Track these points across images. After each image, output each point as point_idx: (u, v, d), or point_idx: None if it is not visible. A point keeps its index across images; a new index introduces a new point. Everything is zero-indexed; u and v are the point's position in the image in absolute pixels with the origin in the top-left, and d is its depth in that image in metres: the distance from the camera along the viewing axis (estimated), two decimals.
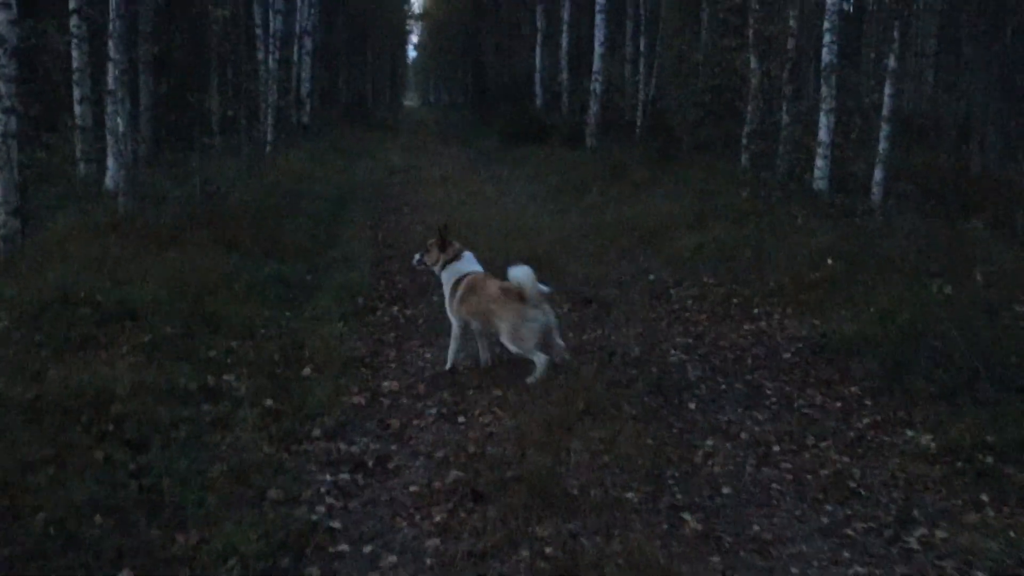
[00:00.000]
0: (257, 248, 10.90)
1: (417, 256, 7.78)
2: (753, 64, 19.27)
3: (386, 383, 7.11)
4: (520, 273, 6.78)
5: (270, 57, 23.18)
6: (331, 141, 27.13)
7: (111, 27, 12.45)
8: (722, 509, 5.04)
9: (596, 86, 24.97)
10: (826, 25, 15.51)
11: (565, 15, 28.35)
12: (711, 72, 22.89)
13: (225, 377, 6.60)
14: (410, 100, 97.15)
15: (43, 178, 16.66)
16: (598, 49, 24.98)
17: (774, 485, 5.36)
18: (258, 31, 25.34)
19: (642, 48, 25.73)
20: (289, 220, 13.16)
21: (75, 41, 15.88)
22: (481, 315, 7.10)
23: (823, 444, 6.00)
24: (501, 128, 30.11)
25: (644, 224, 13.65)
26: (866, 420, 6.39)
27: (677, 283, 10.72)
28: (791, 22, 18.40)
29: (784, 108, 17.98)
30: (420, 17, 69.23)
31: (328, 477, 5.30)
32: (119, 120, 12.36)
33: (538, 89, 32.36)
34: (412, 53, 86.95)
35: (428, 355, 7.86)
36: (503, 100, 38.15)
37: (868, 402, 6.76)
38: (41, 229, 11.32)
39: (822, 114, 15.05)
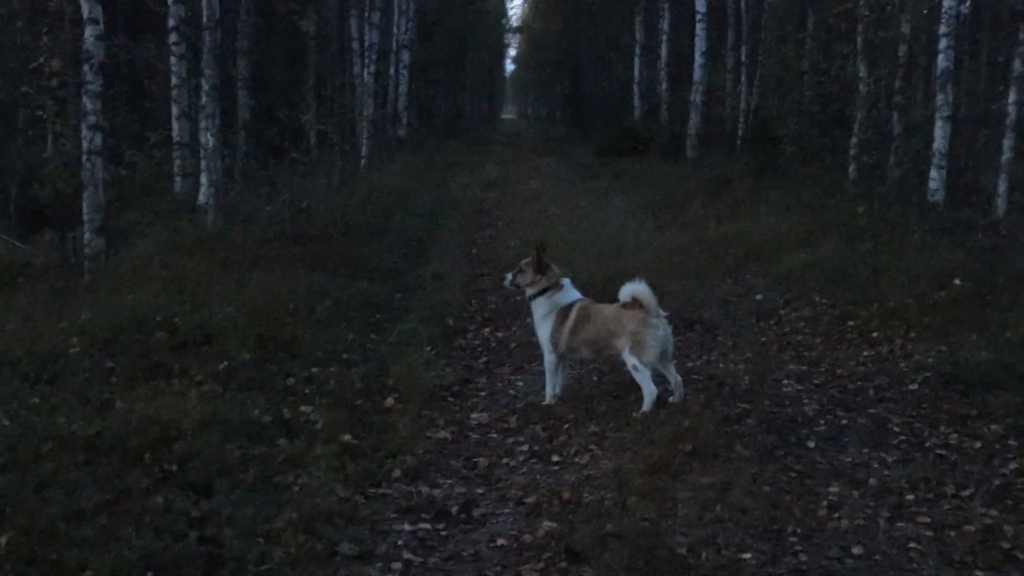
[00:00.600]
0: (344, 268, 10.53)
1: (509, 276, 7.16)
2: (862, 71, 18.40)
3: (475, 415, 6.62)
4: (637, 287, 6.59)
5: (365, 71, 22.97)
6: (427, 155, 26.90)
7: (204, 41, 12.26)
8: (854, 574, 4.39)
9: (696, 97, 24.31)
10: (942, 29, 14.61)
11: (664, 25, 27.65)
12: (817, 81, 22.07)
13: (302, 408, 6.16)
14: (507, 113, 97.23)
15: (142, 192, 16.71)
16: (698, 59, 24.32)
17: (912, 544, 4.66)
18: (354, 44, 25.22)
19: (743, 57, 24.87)
20: (380, 237, 12.80)
21: (173, 58, 15.79)
22: (598, 341, 6.76)
23: (964, 493, 5.25)
24: (598, 141, 29.52)
25: (749, 240, 12.93)
26: (1013, 465, 5.63)
27: (786, 303, 10.03)
28: (904, 27, 17.54)
29: (895, 117, 17.10)
30: (518, 30, 68.95)
31: (407, 527, 4.79)
32: (209, 136, 12.13)
33: (636, 101, 31.68)
34: (510, 67, 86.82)
35: (520, 383, 7.35)
36: (600, 112, 37.59)
37: (1013, 442, 6.00)
38: (130, 247, 11.13)
39: (938, 122, 14.16)
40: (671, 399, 6.63)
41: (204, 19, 13.12)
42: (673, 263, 11.99)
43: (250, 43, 20.96)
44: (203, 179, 14.43)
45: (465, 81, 52.04)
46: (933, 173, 14.14)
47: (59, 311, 7.48)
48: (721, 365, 7.66)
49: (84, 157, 9.70)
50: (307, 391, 6.54)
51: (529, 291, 7.02)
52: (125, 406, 5.63)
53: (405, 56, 30.29)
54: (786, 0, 29.14)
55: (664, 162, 23.27)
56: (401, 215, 14.94)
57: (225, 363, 6.61)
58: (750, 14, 26.04)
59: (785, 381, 7.33)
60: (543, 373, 6.99)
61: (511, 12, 65.58)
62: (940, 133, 14.04)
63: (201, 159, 14.36)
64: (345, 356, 7.40)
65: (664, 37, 27.72)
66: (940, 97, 14.42)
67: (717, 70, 26.90)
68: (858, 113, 18.45)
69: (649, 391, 6.46)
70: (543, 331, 6.89)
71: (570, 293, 6.96)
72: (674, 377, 6.70)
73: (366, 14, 24.32)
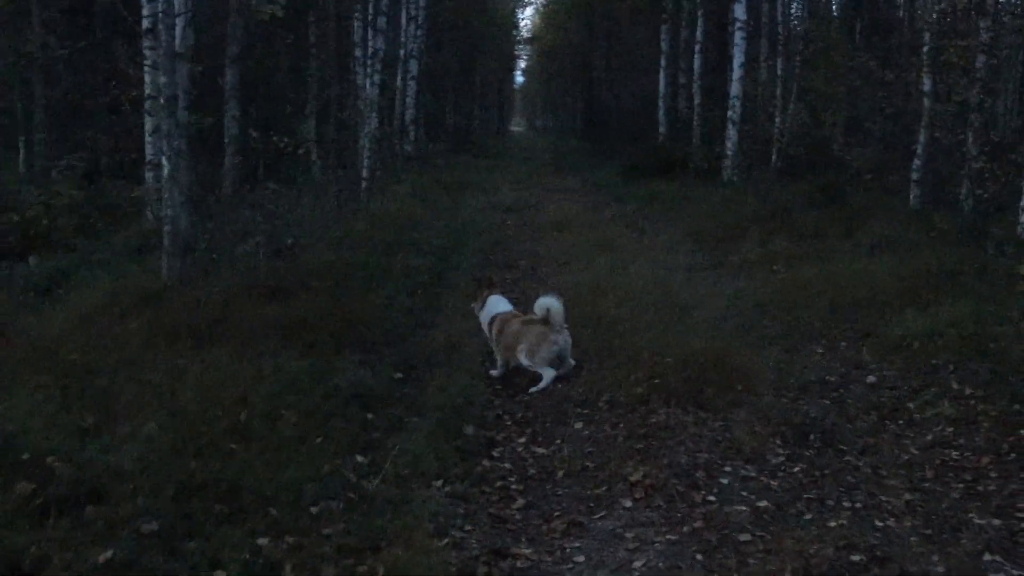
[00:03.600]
0: (330, 335, 8.06)
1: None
2: (926, 86, 16.02)
3: None
4: (550, 302, 7.69)
5: (368, 81, 20.49)
6: (436, 173, 24.45)
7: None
8: None
9: (733, 113, 21.77)
10: None
11: (698, 34, 25.11)
12: (877, 95, 19.77)
13: None
14: (516, 125, 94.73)
15: (109, 221, 14.29)
16: (736, 71, 21.77)
17: None
18: (357, 52, 22.79)
19: (779, 70, 22.17)
20: (379, 284, 10.33)
21: (147, 67, 13.40)
22: (507, 349, 7.92)
23: None
24: (623, 159, 27.01)
25: (834, 291, 10.42)
26: None
27: (914, 393, 7.50)
28: (982, 34, 15.20)
29: (970, 138, 14.72)
30: (529, 41, 66.52)
31: None
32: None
33: (662, 116, 29.17)
34: (519, 78, 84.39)
35: (580, 554, 4.83)
36: (618, 127, 35.10)
37: None
38: (56, 304, 8.77)
39: None
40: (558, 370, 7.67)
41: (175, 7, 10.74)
42: (745, 325, 9.52)
43: (241, 49, 18.61)
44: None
45: (475, 92, 49.57)
46: None
47: None
48: (879, 525, 5.11)
49: None
50: None
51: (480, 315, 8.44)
52: None
53: (413, 66, 27.88)
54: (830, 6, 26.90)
55: (700, 185, 20.76)
56: (406, 252, 12.45)
57: (110, 553, 4.07)
58: (787, 20, 23.55)
59: (988, 556, 4.79)
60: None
61: (522, 23, 63.37)
62: None
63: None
64: (314, 510, 4.88)
65: (698, 46, 25.17)
66: None
67: (751, 83, 24.33)
68: (921, 132, 16.08)
69: (547, 375, 7.65)
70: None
71: (497, 306, 8.31)
72: (567, 362, 7.84)
73: (370, 18, 21.83)
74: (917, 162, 15.99)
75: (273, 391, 6.24)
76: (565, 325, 7.72)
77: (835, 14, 27.19)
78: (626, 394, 7.05)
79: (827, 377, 8.00)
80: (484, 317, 8.26)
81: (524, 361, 7.68)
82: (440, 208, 18.04)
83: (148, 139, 13.77)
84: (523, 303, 9.40)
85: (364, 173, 18.46)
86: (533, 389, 7.53)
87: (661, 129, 28.90)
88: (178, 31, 11.78)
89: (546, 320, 7.60)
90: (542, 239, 15.24)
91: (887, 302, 9.75)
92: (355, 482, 5.31)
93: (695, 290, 10.91)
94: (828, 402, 7.37)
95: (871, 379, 7.93)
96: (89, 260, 11.78)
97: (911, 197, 15.87)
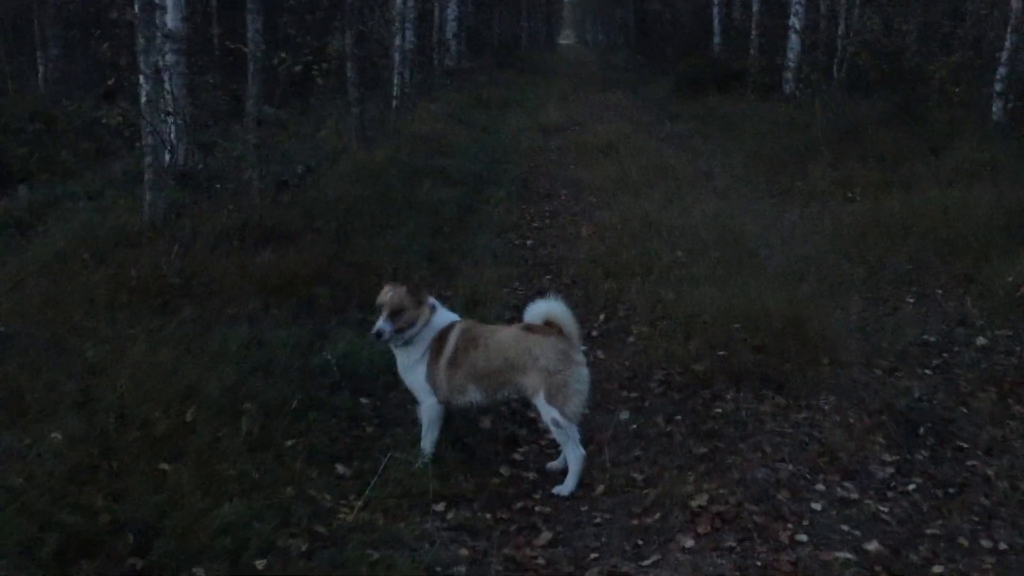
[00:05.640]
0: (331, 290, 6.78)
1: (385, 327, 4.66)
2: None
3: None
4: (552, 307, 4.67)
5: None
6: (476, 90, 22.87)
7: None
8: None
9: (795, 20, 19.89)
10: None
11: None
12: None
13: None
14: (565, 39, 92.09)
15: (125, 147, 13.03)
16: None
17: None
18: None
19: None
20: (397, 223, 8.98)
21: None
22: (492, 374, 4.71)
23: None
24: (676, 73, 25.22)
25: (924, 228, 8.94)
26: None
27: None
28: None
29: None
30: None
31: None
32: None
33: (716, 26, 27.17)
34: None
35: None
36: (671, 39, 33.12)
37: None
38: (35, 240, 7.70)
39: None
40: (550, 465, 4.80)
41: None
42: (832, 271, 8.06)
43: None
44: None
45: (522, 3, 47.46)
46: None
47: None
48: None
49: None
50: None
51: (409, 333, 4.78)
52: None
53: None
54: None
55: (759, 101, 19.07)
56: (433, 181, 11.06)
57: None
58: None
59: None
60: None
61: None
62: None
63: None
64: (261, 564, 3.56)
65: None
66: None
67: None
68: (1008, 37, 14.29)
69: (577, 458, 4.59)
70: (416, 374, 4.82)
71: (445, 313, 4.94)
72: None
73: None
74: (1002, 70, 14.21)
75: (239, 373, 4.94)
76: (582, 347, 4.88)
77: None
78: (684, 371, 5.70)
79: (926, 337, 6.58)
80: (427, 333, 4.81)
81: (548, 411, 4.58)
82: (477, 129, 16.61)
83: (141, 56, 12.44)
84: (573, 250, 8.03)
85: (395, 91, 17.00)
86: (560, 489, 4.58)
87: (716, 40, 26.94)
88: None
89: (560, 331, 4.66)
90: (588, 164, 13.74)
91: (990, 241, 8.23)
92: (328, 507, 4.03)
93: (760, 225, 9.51)
94: (932, 373, 5.97)
95: (981, 340, 6.50)
96: (79, 191, 10.61)
97: (994, 110, 14.12)
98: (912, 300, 7.52)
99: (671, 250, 8.26)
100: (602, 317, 7.03)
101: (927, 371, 6.01)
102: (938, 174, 10.91)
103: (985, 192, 9.53)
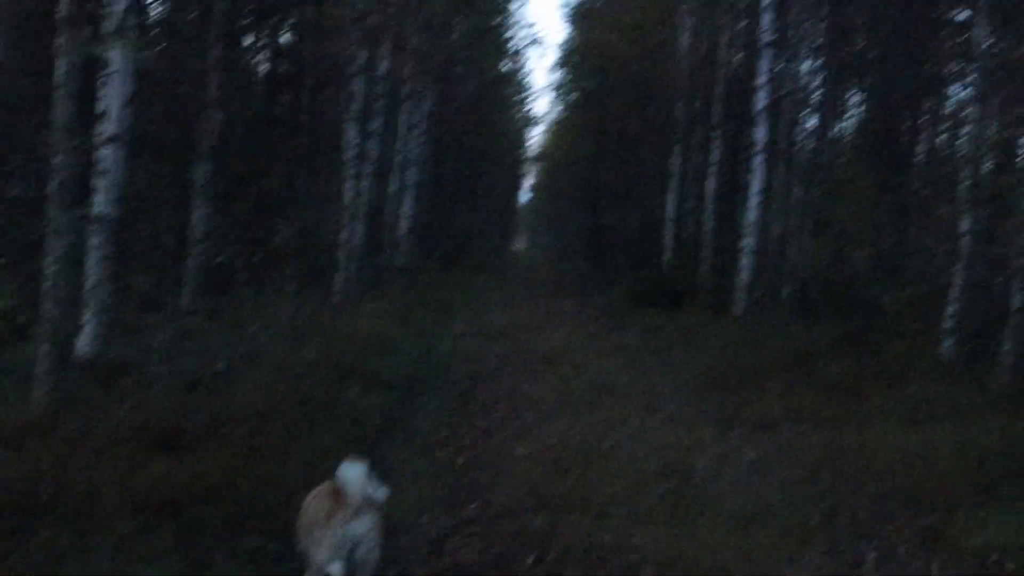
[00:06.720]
0: (225, 512, 5.97)
1: None
2: (966, 223, 14.24)
3: None
4: (348, 472, 4.91)
5: (349, 184, 18.66)
6: (424, 289, 22.46)
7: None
8: None
9: (748, 242, 19.88)
10: None
11: (715, 155, 23.30)
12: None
13: None
14: (518, 243, 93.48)
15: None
16: (754, 198, 19.97)
17: None
18: (347, 155, 20.86)
19: (794, 196, 20.19)
20: (319, 430, 8.21)
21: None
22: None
23: None
24: (627, 285, 25.14)
25: (882, 469, 8.35)
26: None
27: None
28: None
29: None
30: (537, 159, 65.60)
31: None
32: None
33: (668, 242, 27.29)
34: (525, 196, 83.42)
35: None
36: (623, 251, 33.43)
37: None
38: None
39: None
40: None
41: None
42: (786, 512, 7.36)
43: (214, 144, 16.83)
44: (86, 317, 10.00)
45: (478, 207, 48.05)
46: None
47: None
48: None
49: None
50: None
51: None
52: None
53: (413, 173, 26.21)
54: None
55: (708, 319, 18.81)
56: (363, 385, 10.37)
57: None
58: (805, 146, 21.72)
59: None
60: None
61: (528, 141, 62.41)
62: None
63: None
64: None
65: (713, 168, 23.32)
66: None
67: (767, 210, 22.41)
68: (958, 273, 14.24)
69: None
70: None
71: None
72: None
73: (364, 120, 20.07)
74: (951, 308, 14.05)
75: None
76: (375, 499, 5.02)
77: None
78: None
79: None
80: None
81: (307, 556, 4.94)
82: (419, 331, 16.02)
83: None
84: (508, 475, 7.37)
85: (336, 286, 16.50)
86: None
87: (667, 255, 27.00)
88: (114, 108, 10.11)
89: (338, 492, 4.88)
90: (530, 375, 13.15)
91: (954, 493, 7.63)
92: None
93: (708, 457, 8.84)
94: None
95: None
96: None
97: (943, 347, 13.85)
98: (874, 554, 6.82)
99: (610, 484, 7.56)
100: (530, 560, 6.25)
101: None
102: (893, 410, 10.44)
103: (947, 435, 9.01)
